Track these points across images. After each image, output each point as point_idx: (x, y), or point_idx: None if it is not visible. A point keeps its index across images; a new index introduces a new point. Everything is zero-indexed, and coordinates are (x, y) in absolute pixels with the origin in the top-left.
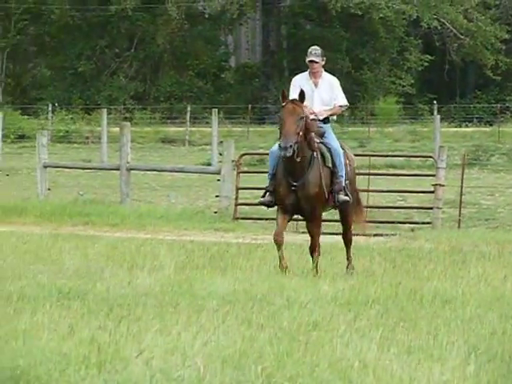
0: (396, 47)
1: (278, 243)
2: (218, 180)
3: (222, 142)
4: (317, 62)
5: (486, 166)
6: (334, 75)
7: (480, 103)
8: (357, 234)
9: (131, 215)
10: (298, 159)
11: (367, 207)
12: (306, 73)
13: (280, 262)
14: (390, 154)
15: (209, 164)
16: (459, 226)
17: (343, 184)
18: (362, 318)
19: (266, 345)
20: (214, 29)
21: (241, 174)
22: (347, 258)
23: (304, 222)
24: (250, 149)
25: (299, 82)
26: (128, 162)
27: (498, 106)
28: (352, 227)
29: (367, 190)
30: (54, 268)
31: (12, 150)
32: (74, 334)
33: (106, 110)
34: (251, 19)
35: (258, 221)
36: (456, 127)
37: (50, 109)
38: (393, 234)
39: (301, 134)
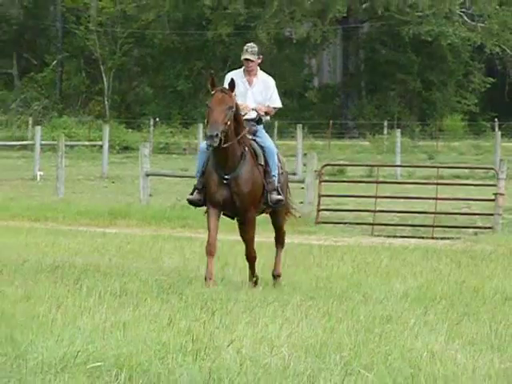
0: (462, 70)
1: (211, 254)
2: (302, 188)
3: (305, 154)
4: (252, 61)
5: None
6: (271, 75)
7: None
8: (421, 237)
9: (224, 218)
10: (225, 146)
11: (435, 213)
12: (241, 70)
13: (206, 272)
14: (455, 165)
15: (294, 173)
16: None
17: (276, 183)
18: (430, 313)
19: (344, 336)
20: (299, 52)
21: (322, 183)
22: (276, 264)
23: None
24: (330, 160)
25: (232, 79)
26: None
27: None
28: (284, 231)
29: (436, 198)
30: (154, 266)
31: (117, 160)
32: (173, 325)
33: (202, 124)
34: (333, 44)
35: (338, 225)
36: None
37: (151, 123)
38: (458, 238)
39: (229, 123)
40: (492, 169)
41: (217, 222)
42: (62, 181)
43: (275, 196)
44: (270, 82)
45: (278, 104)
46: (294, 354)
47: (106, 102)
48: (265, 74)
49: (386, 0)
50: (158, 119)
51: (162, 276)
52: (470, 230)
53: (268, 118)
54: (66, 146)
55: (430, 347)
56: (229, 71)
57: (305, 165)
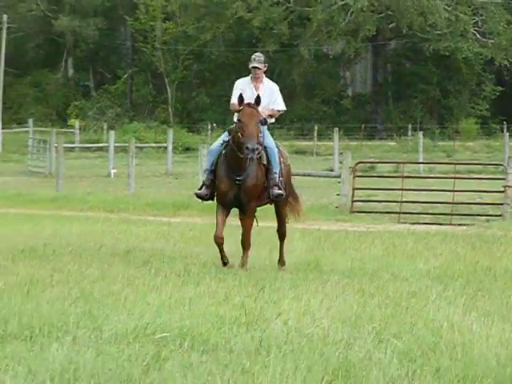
0: (475, 80)
1: (219, 244)
2: (339, 182)
3: (341, 153)
4: (260, 69)
5: None
6: (274, 81)
7: None
8: (441, 224)
9: (271, 209)
10: (256, 156)
11: (453, 203)
12: (248, 77)
13: (221, 259)
14: (470, 162)
15: (331, 170)
16: None
17: (277, 180)
18: (449, 289)
19: (375, 309)
20: (335, 66)
21: (356, 178)
22: (280, 253)
23: None
24: (363, 158)
25: (241, 86)
26: None
27: None
28: (286, 222)
29: (453, 190)
30: (212, 250)
31: (179, 159)
32: (228, 300)
33: None
34: (364, 59)
35: (370, 214)
36: None
37: (209, 127)
38: (472, 224)
39: (260, 135)
40: (501, 165)
41: (225, 218)
42: (132, 177)
43: (276, 191)
44: (275, 87)
45: (282, 107)
46: (333, 324)
47: (170, 110)
48: (270, 80)
49: (410, 20)
50: (214, 124)
51: (219, 259)
52: (483, 218)
53: (273, 119)
54: (136, 147)
55: (449, 319)
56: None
57: (341, 162)
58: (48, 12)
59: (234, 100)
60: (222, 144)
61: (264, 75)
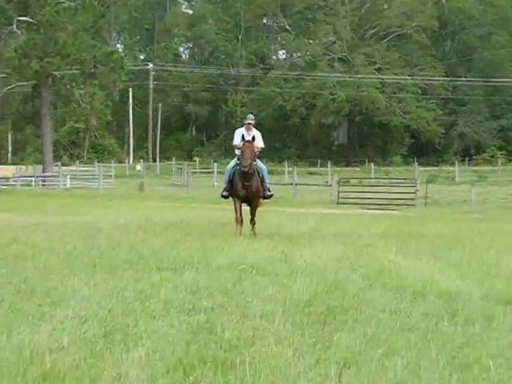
0: (399, 136)
1: (239, 223)
2: (331, 188)
3: (332, 173)
4: (251, 123)
5: (442, 180)
6: (258, 130)
7: (436, 158)
8: (383, 209)
9: (302, 202)
10: (250, 171)
11: (389, 198)
12: (243, 128)
13: (239, 232)
14: (397, 177)
15: (327, 182)
16: (425, 205)
17: (267, 186)
18: (388, 242)
19: (350, 252)
20: (329, 129)
21: (340, 186)
22: (252, 229)
23: None
24: (343, 176)
25: (239, 133)
26: (296, 181)
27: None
28: (256, 210)
29: (389, 192)
30: (264, 225)
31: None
32: (275, 249)
33: (292, 164)
34: (343, 125)
35: (346, 204)
36: (425, 166)
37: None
38: (399, 210)
39: (253, 159)
40: (413, 179)
41: (241, 207)
42: None
43: (268, 193)
44: (258, 133)
45: (262, 145)
46: (329, 261)
47: None
48: (255, 129)
49: (366, 105)
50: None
51: (274, 228)
52: (404, 206)
53: (257, 152)
54: None
55: (389, 258)
56: (235, 129)
57: (332, 178)
58: (182, 102)
59: (235, 142)
60: (234, 166)
61: (252, 126)
